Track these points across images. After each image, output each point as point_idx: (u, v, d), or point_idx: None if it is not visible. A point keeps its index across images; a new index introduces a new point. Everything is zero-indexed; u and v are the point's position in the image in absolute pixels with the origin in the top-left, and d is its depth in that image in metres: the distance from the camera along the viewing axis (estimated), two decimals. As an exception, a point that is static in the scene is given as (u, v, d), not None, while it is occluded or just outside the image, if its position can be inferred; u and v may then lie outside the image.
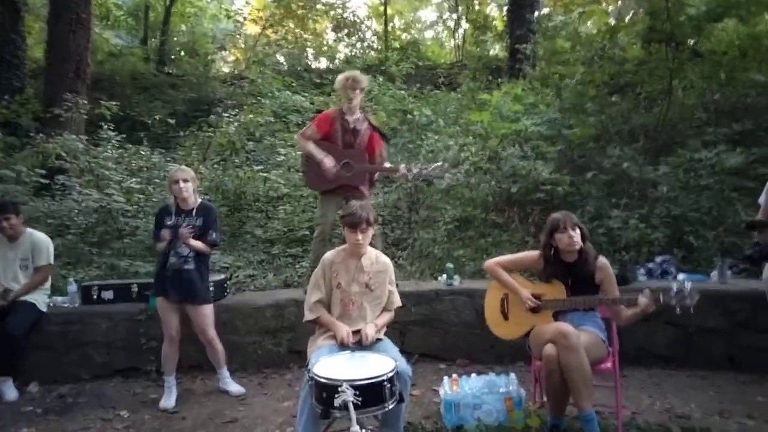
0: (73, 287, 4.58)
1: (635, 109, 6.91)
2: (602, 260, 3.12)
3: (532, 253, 3.31)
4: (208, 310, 3.93)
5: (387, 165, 4.58)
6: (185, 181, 3.84)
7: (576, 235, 3.04)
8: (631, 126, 6.60)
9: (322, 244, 4.42)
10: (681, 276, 4.39)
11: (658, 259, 4.60)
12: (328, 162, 4.29)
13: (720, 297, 4.04)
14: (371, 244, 3.14)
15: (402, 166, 4.43)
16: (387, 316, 3.11)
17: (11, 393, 3.96)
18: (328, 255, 3.12)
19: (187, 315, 3.90)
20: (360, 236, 2.95)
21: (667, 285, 2.89)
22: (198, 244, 3.83)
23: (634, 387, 3.75)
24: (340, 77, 4.48)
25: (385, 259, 3.18)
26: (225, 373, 4.04)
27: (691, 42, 6.83)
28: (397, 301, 3.17)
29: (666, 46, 6.51)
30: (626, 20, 7.89)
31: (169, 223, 3.85)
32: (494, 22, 15.95)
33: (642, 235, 4.90)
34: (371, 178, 4.55)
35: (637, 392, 3.66)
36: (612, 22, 8.77)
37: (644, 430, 3.08)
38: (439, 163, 4.73)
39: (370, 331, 2.90)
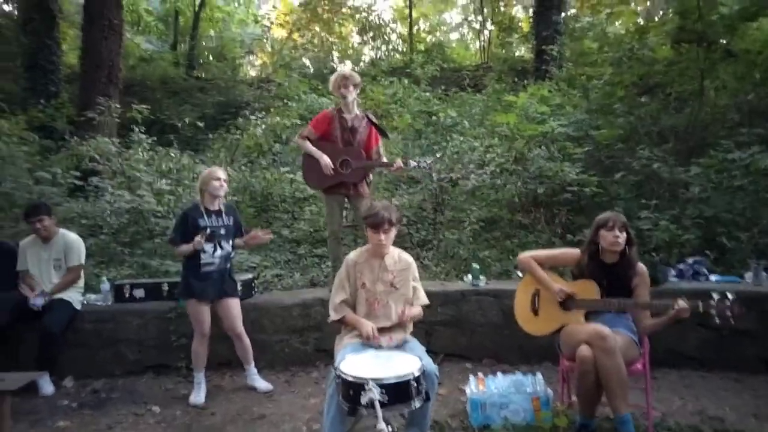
0: (106, 286, 4.69)
1: (665, 110, 6.80)
2: (642, 266, 3.10)
3: (571, 251, 3.28)
4: (239, 304, 4.05)
5: (383, 160, 4.61)
6: (225, 180, 3.95)
7: (621, 236, 3.01)
8: (661, 127, 6.50)
9: (336, 243, 4.50)
10: (713, 278, 4.31)
11: (690, 260, 4.52)
12: (326, 159, 4.33)
13: (754, 299, 3.93)
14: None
15: (398, 161, 4.47)
16: (415, 311, 3.10)
17: (48, 387, 4.07)
18: (352, 255, 3.15)
19: (215, 313, 3.97)
20: (383, 236, 2.97)
21: (706, 290, 2.80)
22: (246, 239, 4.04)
23: (665, 389, 3.69)
24: (332, 77, 4.54)
25: (408, 257, 3.19)
26: (253, 369, 4.09)
27: (724, 41, 6.69)
28: (424, 298, 3.17)
29: (697, 46, 6.40)
30: (655, 20, 7.78)
31: (203, 224, 3.89)
32: (520, 24, 15.88)
33: (673, 237, 4.81)
34: (366, 175, 4.57)
35: (669, 394, 3.60)
36: (641, 22, 8.67)
37: (675, 430, 3.03)
38: (436, 157, 4.80)
39: (408, 310, 2.97)
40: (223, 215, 3.98)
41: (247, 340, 4.05)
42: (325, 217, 4.79)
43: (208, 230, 3.81)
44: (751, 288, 4.08)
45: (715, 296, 2.76)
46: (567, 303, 3.09)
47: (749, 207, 4.92)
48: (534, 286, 3.25)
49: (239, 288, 4.22)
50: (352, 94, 4.46)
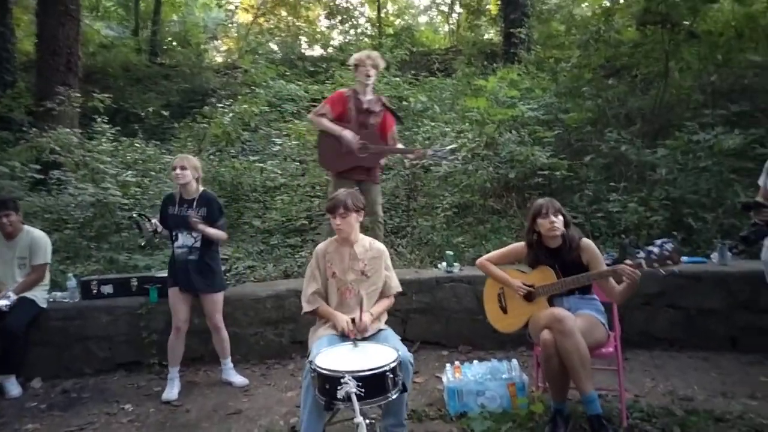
0: (72, 282, 4.55)
1: (632, 91, 6.89)
2: (585, 241, 3.13)
3: (519, 244, 3.33)
4: (218, 297, 3.97)
5: (402, 146, 4.55)
6: (183, 168, 3.82)
7: (557, 221, 3.06)
8: (628, 109, 6.59)
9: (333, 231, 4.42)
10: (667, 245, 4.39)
11: (658, 241, 4.59)
12: (348, 134, 4.23)
13: (721, 278, 4.05)
14: (371, 234, 3.12)
15: (418, 149, 4.42)
16: (385, 303, 3.11)
17: (15, 389, 3.94)
18: (321, 246, 3.13)
19: (194, 307, 3.94)
20: (338, 221, 2.97)
21: (648, 249, 2.86)
22: (212, 231, 3.83)
23: (636, 370, 3.77)
24: (361, 53, 4.45)
25: (379, 245, 3.18)
26: (229, 363, 4.04)
27: (687, 23, 6.78)
28: (396, 286, 3.17)
29: (662, 27, 6.46)
30: (621, 2, 7.84)
31: (171, 212, 3.86)
32: (488, 6, 15.83)
33: (641, 218, 4.91)
34: (380, 159, 4.53)
35: (640, 375, 3.68)
36: (607, 4, 8.73)
37: (647, 412, 3.09)
38: (454, 146, 4.73)
39: (366, 320, 2.88)
40: (194, 205, 3.87)
41: (224, 333, 3.99)
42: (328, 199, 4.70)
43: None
44: (718, 267, 4.19)
45: (655, 250, 2.80)
46: (529, 294, 3.13)
47: (714, 188, 5.03)
48: (498, 286, 3.31)
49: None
50: (374, 77, 4.39)
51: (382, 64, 4.46)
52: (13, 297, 4.03)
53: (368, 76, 4.34)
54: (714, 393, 3.35)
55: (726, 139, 5.09)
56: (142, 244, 5.20)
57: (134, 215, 3.87)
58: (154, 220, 3.90)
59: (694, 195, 5.04)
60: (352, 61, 4.48)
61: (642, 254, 2.84)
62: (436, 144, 4.73)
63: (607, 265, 3.09)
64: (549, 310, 2.95)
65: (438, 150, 4.50)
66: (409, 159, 4.81)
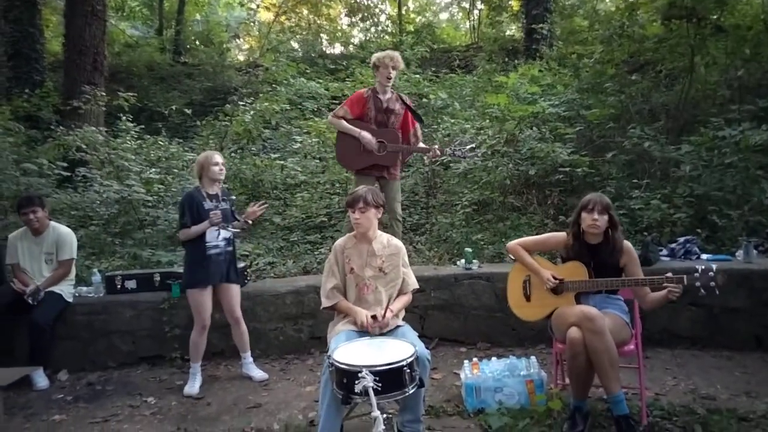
0: (97, 277, 4.66)
1: (656, 87, 6.79)
2: (627, 244, 3.09)
3: (558, 234, 3.29)
4: (239, 290, 4.06)
5: (421, 145, 4.57)
6: (223, 163, 3.95)
7: (601, 219, 3.00)
8: (652, 105, 6.48)
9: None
10: (704, 256, 4.32)
11: (681, 239, 4.52)
12: (367, 135, 4.30)
13: (745, 277, 3.96)
14: (390, 231, 3.14)
15: (435, 147, 4.44)
16: (404, 299, 3.12)
17: (42, 381, 4.05)
18: (340, 241, 3.15)
19: (215, 301, 3.97)
20: (357, 215, 2.98)
21: (691, 266, 2.84)
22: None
23: (657, 368, 3.71)
24: (381, 54, 4.47)
25: (397, 242, 3.19)
26: (249, 357, 4.09)
27: (714, 17, 6.65)
28: (414, 283, 3.17)
29: (687, 22, 6.35)
30: (646, -4, 7.71)
31: (208, 207, 3.86)
32: (510, 3, 15.69)
33: (664, 216, 4.83)
34: (404, 159, 4.57)
35: (661, 373, 3.63)
36: (631, -2, 8.58)
37: (668, 411, 3.05)
38: (474, 144, 4.73)
39: (388, 316, 2.90)
40: (221, 199, 3.97)
41: (244, 327, 4.05)
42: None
43: (219, 210, 3.85)
44: (742, 265, 4.09)
45: (699, 268, 2.77)
46: (557, 287, 3.09)
47: (740, 184, 4.92)
48: (525, 273, 3.27)
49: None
50: (394, 77, 4.44)
51: (402, 65, 4.49)
52: (42, 291, 4.14)
53: (389, 78, 4.39)
54: (737, 392, 3.28)
55: (753, 135, 4.97)
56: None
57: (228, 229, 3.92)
58: (235, 223, 4.01)
59: (719, 192, 4.94)
60: (373, 60, 4.51)
61: (665, 252, 2.81)
62: (456, 141, 4.71)
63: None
64: (578, 308, 2.91)
65: (457, 149, 4.51)
66: (429, 157, 4.81)
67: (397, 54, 4.49)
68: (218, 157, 3.95)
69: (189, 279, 3.91)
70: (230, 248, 3.99)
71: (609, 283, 2.99)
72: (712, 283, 2.75)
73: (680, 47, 6.53)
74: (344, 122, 4.41)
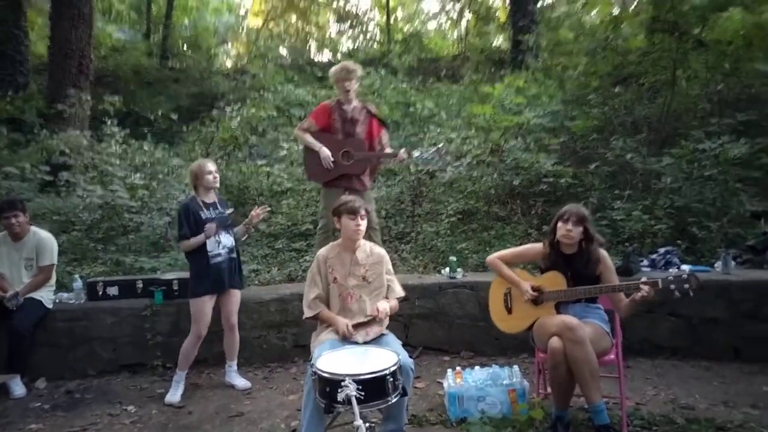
0: (78, 283, 4.61)
1: (638, 100, 6.87)
2: (602, 252, 3.12)
3: (535, 246, 3.34)
4: (239, 296, 4.06)
5: (387, 151, 4.60)
6: (216, 171, 3.95)
7: (575, 230, 3.03)
8: (635, 117, 6.57)
9: (326, 236, 4.43)
10: (684, 267, 4.39)
11: (662, 250, 4.59)
12: (325, 151, 4.33)
13: (724, 288, 4.03)
14: (372, 239, 3.15)
15: (402, 151, 4.46)
16: (393, 302, 3.11)
17: (19, 389, 3.98)
18: (322, 251, 3.15)
19: (215, 308, 3.97)
20: (360, 222, 3.00)
21: (667, 272, 2.88)
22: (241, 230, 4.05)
23: (638, 378, 3.75)
24: (334, 69, 4.52)
25: (380, 251, 3.20)
26: (234, 365, 4.07)
27: (696, 32, 6.78)
28: (399, 291, 3.17)
29: (670, 35, 6.47)
30: (630, 10, 7.85)
31: (206, 216, 3.84)
32: (497, 14, 15.88)
33: (645, 227, 4.89)
34: (373, 168, 4.59)
35: (641, 383, 3.67)
36: (616, 12, 8.73)
37: (648, 420, 3.08)
38: (439, 145, 4.79)
39: (381, 306, 2.93)
40: (218, 206, 3.97)
41: (237, 334, 4.05)
42: (320, 211, 4.74)
43: (217, 218, 3.86)
44: (721, 276, 4.15)
45: (672, 272, 2.81)
46: (537, 297, 3.13)
47: (719, 197, 5.01)
48: (505, 286, 3.30)
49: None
50: (354, 86, 4.46)
51: (359, 72, 4.50)
52: (21, 297, 4.08)
53: (347, 90, 4.42)
54: (716, 402, 3.33)
55: (732, 148, 5.07)
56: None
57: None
58: (237, 229, 4.06)
59: (699, 204, 5.02)
60: (330, 77, 4.57)
61: (645, 262, 2.84)
62: (420, 149, 4.74)
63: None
64: (559, 317, 2.94)
65: (424, 151, 4.59)
66: (396, 161, 4.86)
67: (349, 64, 4.52)
68: (211, 165, 3.95)
69: (194, 288, 3.88)
70: (233, 255, 3.97)
71: (587, 291, 3.02)
72: (686, 286, 2.77)
73: (663, 61, 6.64)
74: (308, 136, 4.44)
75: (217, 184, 3.96)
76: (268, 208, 4.06)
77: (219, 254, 3.86)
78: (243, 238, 4.11)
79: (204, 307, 3.84)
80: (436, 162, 4.67)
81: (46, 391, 4.10)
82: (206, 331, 3.87)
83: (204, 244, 3.81)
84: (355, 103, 4.51)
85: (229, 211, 4.03)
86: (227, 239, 3.92)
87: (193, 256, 3.86)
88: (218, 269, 3.85)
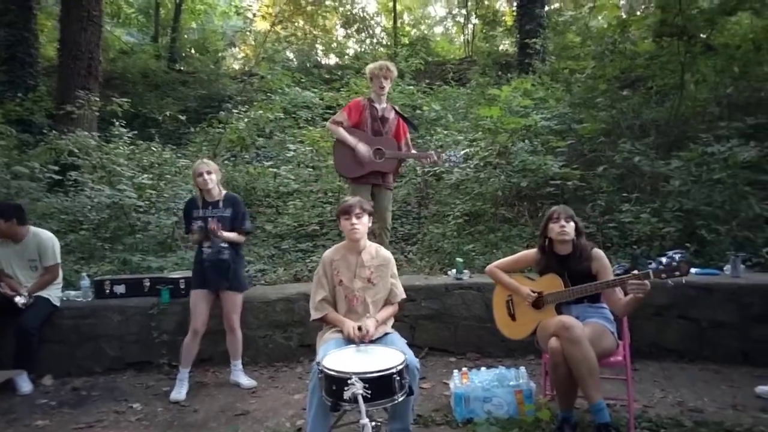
0: (85, 282, 4.63)
1: (646, 103, 6.86)
2: (597, 251, 3.14)
3: (529, 252, 3.38)
4: (239, 298, 4.03)
5: (417, 152, 4.66)
6: (208, 173, 3.94)
7: (568, 226, 3.09)
8: (642, 121, 6.55)
9: None
10: (693, 270, 4.35)
11: (669, 252, 4.55)
12: (362, 148, 4.38)
13: (733, 291, 4.00)
14: (378, 240, 3.14)
15: (432, 152, 4.54)
16: (390, 310, 3.12)
17: (26, 386, 4.01)
18: (328, 253, 3.15)
19: (217, 307, 4.00)
20: (355, 220, 2.99)
21: (658, 260, 2.83)
22: (230, 235, 3.94)
23: (645, 380, 3.72)
24: (372, 65, 4.58)
25: (386, 253, 3.19)
26: (239, 364, 4.07)
27: (704, 35, 6.76)
28: (401, 294, 3.18)
29: (678, 39, 6.44)
30: (637, 14, 7.83)
31: (196, 215, 3.93)
32: (504, 18, 15.87)
33: (653, 230, 4.87)
34: (397, 167, 4.65)
35: (649, 386, 3.64)
36: (623, 16, 8.71)
37: (656, 423, 3.05)
38: (468, 151, 4.82)
39: (370, 326, 2.87)
40: (221, 206, 3.97)
41: (239, 334, 4.04)
42: None
43: (197, 225, 3.89)
44: (730, 280, 4.13)
45: (663, 260, 2.78)
46: (537, 302, 3.14)
47: (728, 200, 4.97)
48: (507, 293, 3.34)
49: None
50: (388, 86, 4.54)
51: (395, 74, 4.58)
52: (28, 297, 4.11)
53: (382, 87, 4.49)
54: (724, 405, 3.30)
55: (741, 152, 5.04)
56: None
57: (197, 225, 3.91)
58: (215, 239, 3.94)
59: (708, 207, 4.99)
60: (367, 72, 4.62)
61: (653, 265, 2.81)
62: (450, 150, 4.79)
63: (617, 275, 3.07)
64: (557, 318, 2.94)
65: (452, 154, 4.63)
66: (425, 163, 4.91)
67: (389, 64, 4.59)
68: (203, 167, 3.96)
69: (192, 280, 4.01)
70: (223, 256, 3.93)
71: (583, 290, 3.01)
72: (678, 273, 2.74)
73: (671, 64, 6.62)
74: (342, 130, 4.47)
75: (208, 186, 3.93)
76: (217, 221, 3.86)
77: (205, 253, 3.92)
78: (219, 243, 4.00)
79: (196, 301, 3.90)
80: (460, 165, 4.73)
81: (52, 387, 4.12)
82: (202, 326, 3.90)
83: (201, 242, 3.92)
84: (385, 103, 4.59)
85: (227, 212, 3.96)
86: (215, 239, 3.90)
87: (195, 250, 4.01)
88: (209, 268, 3.90)
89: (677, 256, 2.75)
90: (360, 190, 4.40)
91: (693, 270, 4.35)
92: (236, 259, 4.03)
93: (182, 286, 4.41)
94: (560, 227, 3.09)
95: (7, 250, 4.29)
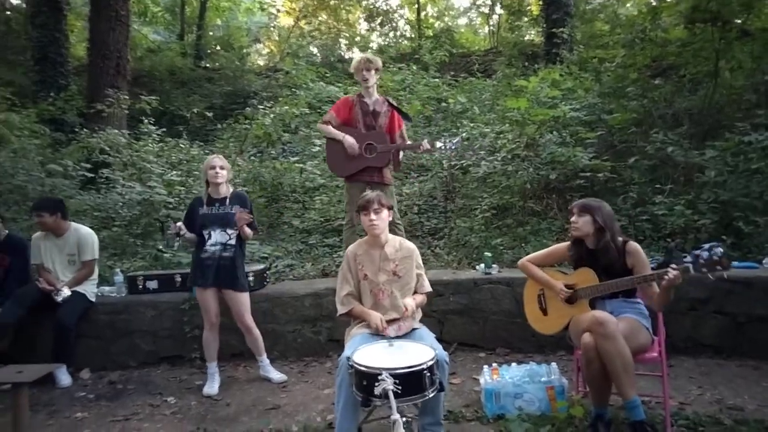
0: (119, 277, 4.72)
1: (679, 92, 6.68)
2: (632, 244, 3.05)
3: (562, 245, 3.32)
4: (245, 298, 4.01)
5: (409, 143, 4.61)
6: (221, 168, 3.94)
7: (579, 220, 3.04)
8: (675, 110, 6.39)
9: (352, 233, 4.47)
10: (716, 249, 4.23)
11: (706, 245, 4.43)
12: (350, 139, 4.34)
13: (772, 285, 3.88)
14: (396, 235, 3.13)
15: (424, 141, 4.43)
16: (419, 298, 3.11)
17: (65, 379, 4.12)
18: (351, 248, 3.15)
19: (225, 303, 3.99)
20: (373, 216, 2.98)
21: (696, 254, 2.74)
22: (249, 231, 3.94)
23: (681, 377, 3.64)
24: (354, 60, 4.56)
25: (409, 245, 3.18)
26: (265, 360, 4.10)
27: (740, 21, 6.54)
28: (427, 286, 3.17)
29: (712, 25, 6.25)
30: (668, 0, 7.61)
31: (202, 212, 3.94)
32: (529, 7, 15.63)
33: (688, 222, 4.75)
34: (396, 160, 4.57)
35: (685, 382, 3.56)
36: (653, 2, 8.49)
37: (693, 421, 2.98)
38: (463, 136, 4.75)
39: (409, 303, 2.91)
40: (227, 203, 3.96)
41: (256, 333, 4.04)
42: (345, 206, 4.77)
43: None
44: (769, 273, 4.01)
45: (703, 255, 2.69)
46: (570, 296, 3.09)
47: (767, 190, 4.82)
48: (538, 287, 3.29)
49: (251, 279, 4.23)
50: (373, 78, 4.48)
51: (378, 64, 4.50)
52: (67, 291, 4.21)
53: (366, 80, 4.44)
54: (765, 403, 3.20)
55: (780, 140, 4.88)
56: (162, 247, 5.31)
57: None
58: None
59: (745, 198, 4.84)
60: (351, 68, 4.60)
61: (689, 258, 2.73)
62: (445, 137, 4.69)
63: (652, 269, 3.00)
64: (590, 313, 2.89)
65: (447, 141, 4.49)
66: (418, 153, 4.85)
67: (369, 56, 4.55)
68: (217, 161, 3.96)
69: (190, 277, 4.04)
70: (227, 254, 3.91)
71: (617, 284, 2.95)
72: (719, 267, 2.66)
73: (704, 51, 6.43)
74: (329, 127, 4.46)
75: (220, 180, 3.91)
76: (247, 216, 3.85)
77: (207, 251, 3.90)
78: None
79: (201, 296, 3.92)
80: (460, 152, 4.62)
81: (90, 381, 4.23)
82: (215, 320, 3.94)
83: (203, 238, 3.91)
84: (376, 96, 4.54)
85: (235, 210, 3.89)
86: (221, 236, 3.91)
87: (196, 247, 4.00)
88: (207, 266, 3.88)
89: (718, 250, 2.66)
90: (354, 189, 4.38)
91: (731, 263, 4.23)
92: (239, 258, 4.00)
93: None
94: (571, 222, 3.07)
95: (49, 243, 4.40)
